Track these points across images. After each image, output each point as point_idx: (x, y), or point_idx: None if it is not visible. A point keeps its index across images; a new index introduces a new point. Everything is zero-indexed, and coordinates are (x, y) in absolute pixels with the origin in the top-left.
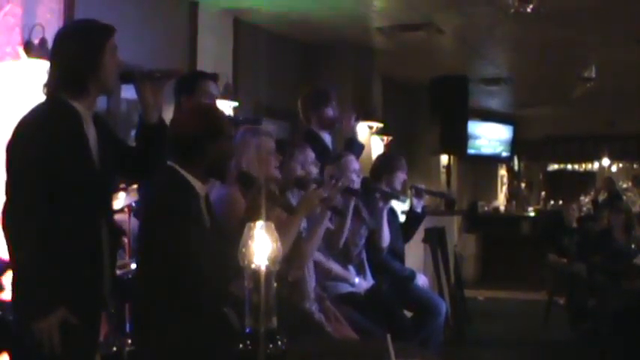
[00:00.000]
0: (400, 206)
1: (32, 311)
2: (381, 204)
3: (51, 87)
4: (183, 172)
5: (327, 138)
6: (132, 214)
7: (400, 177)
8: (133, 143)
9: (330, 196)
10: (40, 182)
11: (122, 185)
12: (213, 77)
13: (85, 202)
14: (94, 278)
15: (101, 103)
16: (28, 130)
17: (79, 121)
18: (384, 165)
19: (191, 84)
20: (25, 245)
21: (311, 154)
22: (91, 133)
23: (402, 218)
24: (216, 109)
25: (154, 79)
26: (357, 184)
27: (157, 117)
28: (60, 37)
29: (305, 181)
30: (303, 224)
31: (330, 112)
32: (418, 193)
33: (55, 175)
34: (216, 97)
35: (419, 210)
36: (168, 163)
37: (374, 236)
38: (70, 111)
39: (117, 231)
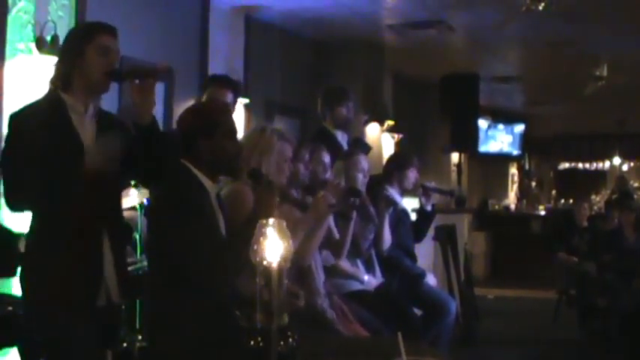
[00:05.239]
0: (411, 204)
1: None
2: (384, 207)
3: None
4: (194, 169)
5: (341, 137)
6: (142, 213)
7: (411, 176)
8: None
9: (333, 195)
10: (27, 160)
11: (133, 182)
12: (225, 84)
13: (81, 202)
14: (88, 279)
15: (112, 98)
16: (15, 118)
17: (63, 108)
18: (396, 163)
19: (202, 89)
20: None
21: (325, 157)
22: (87, 127)
23: (414, 216)
24: (214, 105)
25: (139, 76)
26: (362, 183)
27: (148, 119)
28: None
29: (313, 186)
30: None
31: (344, 111)
32: (426, 193)
33: (42, 157)
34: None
35: (428, 208)
36: (181, 160)
37: (376, 238)
38: (56, 100)
39: (126, 228)
